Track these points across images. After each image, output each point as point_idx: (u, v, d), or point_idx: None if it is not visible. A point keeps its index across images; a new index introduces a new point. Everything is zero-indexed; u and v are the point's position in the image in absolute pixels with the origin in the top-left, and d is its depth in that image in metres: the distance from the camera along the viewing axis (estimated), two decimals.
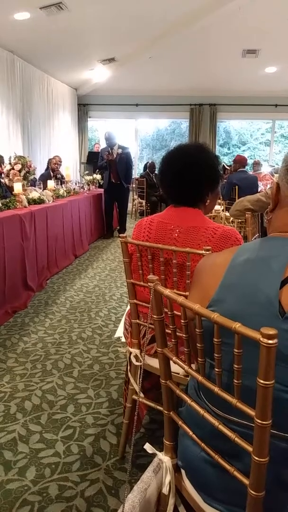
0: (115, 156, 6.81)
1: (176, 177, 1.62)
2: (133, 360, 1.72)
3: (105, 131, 7.20)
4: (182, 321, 0.93)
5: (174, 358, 1.01)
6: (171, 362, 1.07)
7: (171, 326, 1.00)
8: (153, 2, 5.81)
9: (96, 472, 1.76)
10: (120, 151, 6.86)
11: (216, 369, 0.85)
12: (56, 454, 1.86)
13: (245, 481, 0.85)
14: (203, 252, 1.40)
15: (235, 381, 0.80)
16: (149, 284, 1.03)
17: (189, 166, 1.60)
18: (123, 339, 3.01)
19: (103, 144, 11.77)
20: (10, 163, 4.71)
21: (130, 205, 8.42)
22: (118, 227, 7.50)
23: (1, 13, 5.64)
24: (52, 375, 2.55)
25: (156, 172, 10.12)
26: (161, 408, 1.15)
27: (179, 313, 0.99)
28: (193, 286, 1.02)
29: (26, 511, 1.56)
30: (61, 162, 6.88)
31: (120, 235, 1.64)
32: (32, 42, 6.81)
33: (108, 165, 6.84)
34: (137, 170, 11.49)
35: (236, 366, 0.79)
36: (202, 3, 6.00)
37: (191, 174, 1.60)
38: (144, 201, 9.63)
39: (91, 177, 7.18)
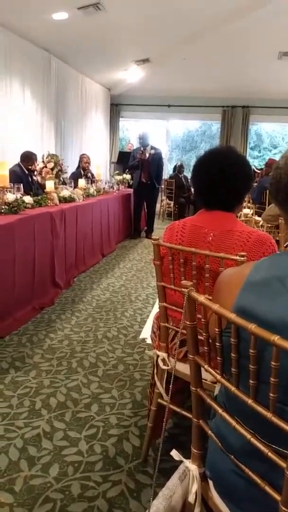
0: (147, 156, 6.83)
1: (211, 181, 1.60)
2: (160, 363, 1.71)
3: (139, 131, 7.23)
4: (217, 329, 0.91)
5: (206, 366, 1.00)
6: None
7: (204, 334, 0.98)
8: (190, 4, 5.78)
9: (118, 473, 1.76)
10: (152, 151, 6.87)
11: (251, 381, 0.83)
12: (79, 453, 1.87)
13: (277, 497, 0.83)
14: (238, 258, 1.37)
15: (271, 394, 0.78)
16: (182, 289, 1.02)
17: (225, 170, 1.58)
18: (148, 341, 3.02)
19: (135, 144, 11.89)
20: (43, 161, 4.78)
21: (158, 206, 8.42)
22: (146, 228, 7.50)
23: (41, 13, 5.73)
24: (77, 373, 2.56)
25: (184, 173, 10.10)
26: (190, 415, 1.13)
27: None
28: (214, 302, 1.00)
29: (48, 508, 1.57)
30: (89, 161, 6.94)
31: (153, 237, 1.64)
32: (68, 42, 6.89)
33: (140, 164, 6.85)
34: (167, 171, 11.47)
35: (273, 379, 0.77)
36: (239, 4, 5.93)
37: (226, 178, 1.58)
38: (172, 202, 9.61)
39: (121, 177, 7.21)
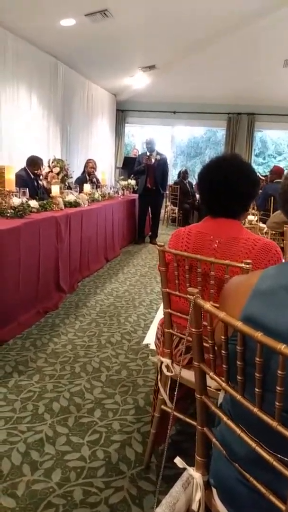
0: (153, 161, 6.86)
1: (215, 189, 1.61)
2: (164, 370, 1.71)
3: (145, 137, 7.26)
4: (223, 337, 0.91)
5: (211, 374, 1.00)
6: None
7: (210, 341, 0.99)
8: (197, 12, 5.81)
9: (120, 480, 1.76)
10: (158, 157, 6.90)
11: (257, 390, 0.83)
12: (82, 458, 1.87)
13: (282, 506, 0.82)
14: (243, 265, 1.38)
15: (277, 403, 0.78)
16: (188, 296, 1.02)
17: (229, 178, 1.59)
18: (151, 346, 3.02)
19: (140, 150, 11.93)
20: (48, 166, 4.81)
21: (162, 211, 8.44)
22: (150, 233, 7.52)
23: (49, 20, 5.78)
24: (80, 377, 2.57)
25: (189, 179, 10.11)
26: (194, 423, 1.13)
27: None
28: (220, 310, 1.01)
29: None
30: (96, 166, 6.97)
31: (158, 243, 1.64)
32: (75, 48, 6.95)
33: (145, 170, 6.88)
34: (171, 177, 11.50)
35: (279, 388, 0.77)
36: (245, 12, 5.97)
37: (230, 186, 1.59)
38: (176, 208, 9.62)
39: (126, 182, 7.23)
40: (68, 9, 5.59)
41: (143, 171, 6.92)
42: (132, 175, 7.61)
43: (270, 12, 5.97)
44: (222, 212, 1.65)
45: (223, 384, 0.95)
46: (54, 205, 4.12)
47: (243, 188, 1.62)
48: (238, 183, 1.60)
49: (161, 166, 6.97)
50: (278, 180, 6.14)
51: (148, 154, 6.93)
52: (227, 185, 1.60)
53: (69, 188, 5.06)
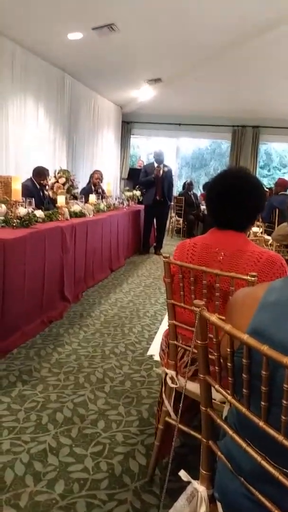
0: (161, 173, 6.91)
1: (225, 202, 1.63)
2: (169, 381, 1.71)
3: (154, 149, 7.29)
4: (228, 350, 0.92)
5: (217, 386, 1.00)
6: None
7: (215, 354, 0.99)
8: (203, 26, 5.90)
9: (124, 492, 1.75)
10: (166, 169, 6.95)
11: (263, 403, 0.83)
12: (85, 470, 1.86)
13: None
14: (248, 278, 1.38)
15: (283, 417, 0.78)
16: (194, 308, 1.03)
17: (238, 193, 1.61)
18: (156, 358, 3.01)
19: (145, 161, 12.00)
20: (54, 176, 4.86)
21: (167, 222, 8.48)
22: (155, 244, 7.54)
23: (56, 33, 5.88)
24: (84, 388, 2.56)
25: (193, 191, 10.16)
26: (199, 436, 1.13)
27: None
28: (227, 322, 1.01)
29: None
30: (102, 177, 7.02)
31: (164, 254, 1.65)
32: (82, 61, 7.05)
33: (155, 181, 6.91)
34: (176, 188, 11.55)
35: (285, 402, 0.77)
36: (250, 26, 6.04)
37: (240, 201, 1.60)
38: (181, 219, 9.65)
39: (131, 193, 7.27)
40: (75, 23, 5.69)
41: (152, 182, 6.93)
42: (137, 186, 7.66)
43: (275, 27, 6.04)
44: (228, 224, 1.66)
45: (229, 397, 0.95)
46: (60, 215, 4.15)
47: (250, 201, 1.64)
48: (245, 197, 1.62)
49: (168, 177, 7.03)
50: (283, 192, 6.17)
51: (156, 165, 6.96)
52: (235, 198, 1.62)
53: (75, 198, 5.10)
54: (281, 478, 0.81)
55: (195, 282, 1.56)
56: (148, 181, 6.99)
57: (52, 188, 4.88)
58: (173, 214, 9.82)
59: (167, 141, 11.44)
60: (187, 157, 19.46)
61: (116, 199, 6.94)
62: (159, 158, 7.00)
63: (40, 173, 5.13)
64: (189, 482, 1.14)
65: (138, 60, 7.22)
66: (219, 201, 1.66)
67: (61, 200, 4.27)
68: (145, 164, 8.07)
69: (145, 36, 6.18)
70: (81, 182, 6.36)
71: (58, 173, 4.92)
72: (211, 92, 8.87)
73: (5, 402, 2.34)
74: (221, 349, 0.98)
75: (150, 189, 7.01)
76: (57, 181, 4.81)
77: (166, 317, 1.80)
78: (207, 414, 1.06)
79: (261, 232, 5.72)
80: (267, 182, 14.35)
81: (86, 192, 6.18)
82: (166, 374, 1.73)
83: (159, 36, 6.21)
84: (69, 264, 4.05)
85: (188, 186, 9.94)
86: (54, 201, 4.69)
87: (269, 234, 5.42)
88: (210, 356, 1.05)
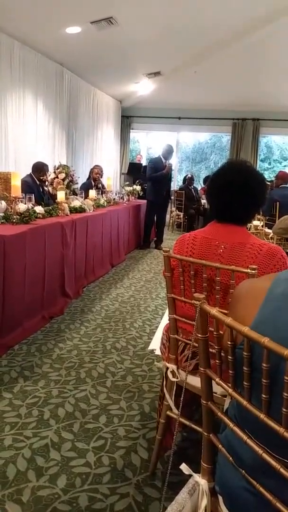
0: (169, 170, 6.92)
1: (226, 196, 1.61)
2: (170, 375, 1.70)
3: (163, 144, 7.14)
4: (229, 342, 0.91)
5: (217, 380, 0.99)
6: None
7: (216, 347, 0.98)
8: (202, 19, 5.85)
9: (126, 486, 1.75)
10: (169, 164, 6.93)
11: (264, 396, 0.83)
12: (87, 464, 1.86)
13: None
14: (249, 270, 1.38)
15: (284, 409, 0.78)
16: (194, 302, 1.02)
17: (243, 187, 1.60)
18: (157, 352, 3.01)
19: (144, 155, 11.96)
20: (54, 172, 4.84)
21: (167, 216, 8.46)
22: (155, 238, 7.53)
23: (55, 27, 5.84)
24: (85, 383, 2.56)
25: (194, 185, 10.13)
26: (200, 429, 1.13)
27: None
28: (230, 314, 1.00)
29: None
30: (102, 172, 6.99)
31: (164, 248, 1.65)
32: (81, 55, 7.01)
33: (164, 178, 6.88)
34: (176, 182, 11.52)
35: (286, 394, 0.76)
36: (250, 19, 5.99)
37: (244, 195, 1.59)
38: (182, 214, 9.63)
39: (131, 188, 7.25)
40: (73, 17, 5.65)
41: (163, 179, 6.86)
42: (138, 181, 7.63)
43: (274, 19, 6.00)
44: (229, 218, 1.65)
45: (230, 390, 0.95)
46: (60, 211, 4.13)
47: (251, 195, 1.62)
48: (246, 190, 1.61)
49: (170, 173, 7.04)
50: (284, 185, 6.14)
51: (164, 161, 6.90)
52: (236, 191, 1.60)
53: (74, 194, 5.08)
54: (282, 470, 0.81)
55: (195, 276, 1.56)
56: (160, 177, 6.83)
57: (51, 183, 4.86)
58: (173, 209, 9.80)
59: (167, 135, 11.40)
60: (187, 151, 19.38)
61: (116, 194, 6.92)
62: (168, 155, 6.91)
63: (39, 168, 5.11)
64: (190, 476, 1.14)
65: (137, 54, 7.18)
66: (220, 195, 1.65)
67: (61, 195, 4.25)
68: (154, 157, 7.84)
69: (144, 30, 6.13)
70: (81, 177, 6.34)
71: (57, 168, 4.89)
72: (211, 85, 8.83)
73: (7, 398, 2.34)
74: (223, 343, 0.98)
75: (161, 185, 6.92)
76: (57, 177, 4.78)
77: (167, 312, 1.80)
78: (208, 408, 1.06)
79: (262, 226, 5.70)
80: (267, 175, 14.31)
81: (86, 187, 6.16)
82: (167, 368, 1.73)
83: (158, 30, 6.16)
84: (69, 259, 4.04)
85: (189, 181, 9.90)
86: (54, 197, 4.67)
87: (269, 228, 5.40)
88: (210, 350, 1.05)
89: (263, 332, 0.83)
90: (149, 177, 6.99)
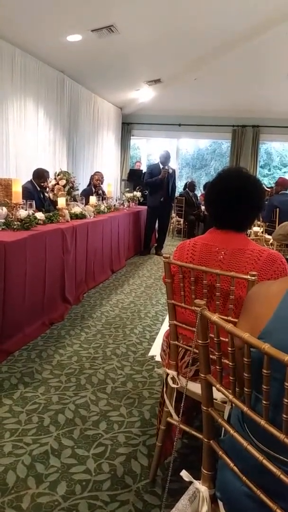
0: (167, 175, 6.91)
1: (225, 203, 1.62)
2: (170, 382, 1.70)
3: (161, 150, 7.19)
4: (229, 348, 0.92)
5: (218, 386, 1.00)
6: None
7: (216, 353, 0.99)
8: (201, 26, 5.91)
9: (126, 493, 1.74)
10: (170, 170, 6.95)
11: (264, 402, 0.83)
12: (87, 471, 1.86)
13: None
14: (249, 277, 1.38)
15: (284, 416, 0.78)
16: (195, 308, 1.03)
17: (241, 194, 1.61)
18: (157, 358, 3.00)
19: (145, 162, 12.00)
20: (55, 178, 4.86)
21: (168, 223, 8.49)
22: (156, 245, 7.53)
23: (56, 36, 5.90)
24: (85, 389, 2.56)
25: (195, 191, 10.15)
26: (200, 436, 1.13)
27: (225, 339, 0.97)
28: (243, 314, 1.01)
29: None
30: (102, 179, 7.01)
31: (164, 255, 1.65)
32: (82, 62, 7.07)
33: (161, 183, 6.90)
34: (177, 188, 11.56)
35: (286, 400, 0.77)
36: (249, 26, 6.05)
37: (242, 202, 1.60)
38: (182, 220, 9.65)
39: (131, 194, 7.27)
40: (74, 25, 5.70)
41: (159, 184, 6.91)
42: (138, 187, 7.64)
43: (273, 26, 6.05)
44: (228, 224, 1.66)
45: (230, 396, 0.95)
46: (60, 217, 4.15)
47: (250, 201, 1.63)
48: (245, 197, 1.62)
49: (173, 179, 7.04)
50: (284, 191, 6.16)
51: (161, 167, 6.93)
52: (234, 198, 1.61)
53: (75, 200, 5.10)
54: (282, 477, 0.81)
55: (195, 282, 1.56)
56: (155, 182, 6.90)
57: (52, 190, 4.87)
58: (173, 215, 9.82)
59: (167, 141, 11.45)
60: (187, 157, 19.48)
61: (116, 200, 6.94)
62: (165, 161, 6.96)
63: (40, 175, 5.13)
64: (190, 482, 1.14)
65: (138, 61, 7.24)
66: (219, 202, 1.66)
67: (61, 202, 4.27)
68: (153, 163, 7.92)
69: (144, 37, 6.19)
70: (82, 183, 6.36)
71: (58, 175, 4.91)
72: (211, 92, 8.89)
73: (7, 404, 2.34)
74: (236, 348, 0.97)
75: (156, 190, 6.95)
76: (58, 183, 4.80)
77: (167, 318, 1.80)
78: (209, 414, 1.06)
79: (262, 232, 5.72)
80: (267, 182, 14.37)
81: (86, 193, 6.18)
82: (167, 374, 1.73)
83: (158, 37, 6.22)
84: (70, 265, 4.05)
85: (190, 187, 9.92)
86: (54, 203, 4.69)
87: (269, 234, 5.41)
88: (211, 356, 1.05)
89: (282, 329, 0.84)
90: (145, 182, 7.16)
